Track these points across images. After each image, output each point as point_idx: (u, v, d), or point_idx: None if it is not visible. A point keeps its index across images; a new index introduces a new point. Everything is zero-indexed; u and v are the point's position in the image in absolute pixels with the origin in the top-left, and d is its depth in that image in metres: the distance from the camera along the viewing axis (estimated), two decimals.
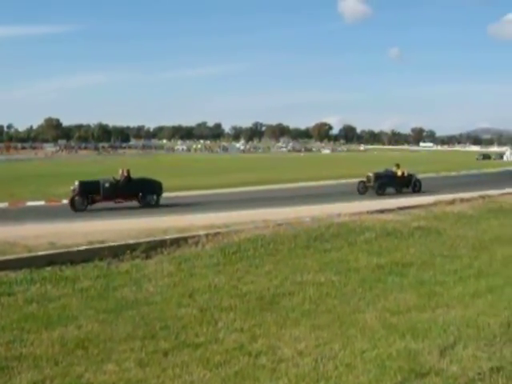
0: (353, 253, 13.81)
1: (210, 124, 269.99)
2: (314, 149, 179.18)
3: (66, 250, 13.00)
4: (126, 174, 24.32)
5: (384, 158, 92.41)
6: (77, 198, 22.95)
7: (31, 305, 9.59)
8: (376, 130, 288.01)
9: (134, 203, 23.91)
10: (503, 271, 12.18)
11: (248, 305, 9.56)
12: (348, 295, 10.19)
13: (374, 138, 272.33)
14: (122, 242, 13.82)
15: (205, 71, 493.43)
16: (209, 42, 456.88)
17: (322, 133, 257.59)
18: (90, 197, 23.23)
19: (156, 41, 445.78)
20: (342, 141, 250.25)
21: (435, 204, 22.35)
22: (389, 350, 7.26)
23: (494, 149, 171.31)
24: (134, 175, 24.84)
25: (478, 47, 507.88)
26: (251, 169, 58.03)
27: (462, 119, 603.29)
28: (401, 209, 20.87)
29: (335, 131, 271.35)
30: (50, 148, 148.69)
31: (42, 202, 25.61)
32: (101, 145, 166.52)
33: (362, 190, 29.98)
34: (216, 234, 15.00)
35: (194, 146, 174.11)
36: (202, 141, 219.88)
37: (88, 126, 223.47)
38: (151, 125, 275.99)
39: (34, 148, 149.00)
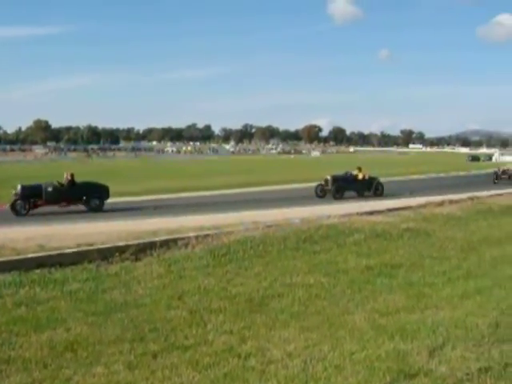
0: (342, 254, 13.84)
1: (200, 126, 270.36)
2: (304, 151, 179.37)
3: (55, 252, 12.95)
4: (69, 177, 23.97)
5: (369, 159, 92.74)
6: (18, 201, 22.62)
7: (20, 308, 9.53)
8: (365, 131, 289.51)
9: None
10: (492, 272, 12.25)
11: (237, 307, 9.56)
12: (337, 297, 10.21)
13: (363, 139, 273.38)
14: (111, 245, 13.79)
15: (195, 73, 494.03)
16: (199, 44, 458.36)
17: (312, 135, 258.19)
18: (32, 201, 22.88)
19: (146, 43, 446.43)
20: (331, 143, 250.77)
21: (424, 206, 22.46)
22: (378, 351, 7.28)
23: (483, 150, 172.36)
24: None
25: (468, 49, 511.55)
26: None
27: (451, 121, 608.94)
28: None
29: (325, 133, 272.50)
30: (38, 150, 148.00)
31: None
32: (90, 147, 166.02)
33: (321, 193, 29.24)
34: (206, 235, 14.99)
35: (184, 148, 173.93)
36: (191, 142, 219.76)
37: (77, 128, 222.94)
38: (141, 127, 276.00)
39: (23, 150, 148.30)
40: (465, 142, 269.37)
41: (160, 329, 8.39)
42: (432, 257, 13.69)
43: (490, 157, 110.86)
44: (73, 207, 23.50)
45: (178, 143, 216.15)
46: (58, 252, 13.00)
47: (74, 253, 13.07)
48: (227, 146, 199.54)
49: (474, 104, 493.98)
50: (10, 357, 7.31)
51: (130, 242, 13.99)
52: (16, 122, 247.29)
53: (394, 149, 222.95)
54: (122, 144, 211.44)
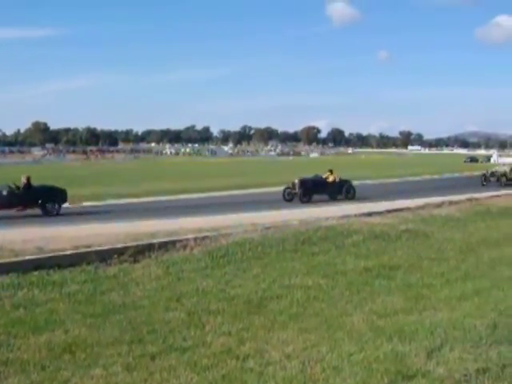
0: (340, 256, 13.85)
1: (199, 127, 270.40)
2: (302, 152, 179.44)
3: (53, 254, 12.95)
4: (25, 181, 23.36)
5: (367, 160, 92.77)
6: None
7: (18, 310, 9.53)
8: (364, 133, 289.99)
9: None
10: (490, 273, 12.26)
11: (236, 308, 9.56)
12: (335, 298, 10.22)
13: (362, 141, 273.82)
14: (110, 246, 13.80)
15: (193, 75, 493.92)
16: (197, 45, 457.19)
17: (311, 136, 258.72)
18: None
19: (144, 44, 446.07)
20: (330, 144, 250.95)
21: (423, 207, 22.48)
22: (376, 352, 7.29)
23: (482, 152, 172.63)
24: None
25: (466, 50, 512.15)
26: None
27: (449, 122, 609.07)
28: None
29: (323, 134, 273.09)
30: (37, 152, 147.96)
31: None
32: (89, 149, 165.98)
33: (288, 197, 28.08)
34: (204, 237, 15.00)
35: (183, 150, 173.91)
36: (190, 144, 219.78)
37: (76, 130, 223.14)
38: (139, 128, 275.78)
39: (22, 152, 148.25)
40: (463, 144, 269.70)
41: (158, 330, 8.39)
42: (430, 258, 13.71)
43: (488, 158, 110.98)
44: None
45: (176, 145, 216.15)
46: (56, 254, 12.99)
47: (72, 255, 13.08)
48: (226, 148, 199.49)
49: (472, 105, 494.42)
50: (8, 359, 7.31)
51: (128, 244, 13.99)
52: (15, 123, 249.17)
53: (392, 150, 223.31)
54: (121, 146, 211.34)
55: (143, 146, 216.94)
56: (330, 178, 29.10)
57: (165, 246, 14.15)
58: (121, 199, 29.27)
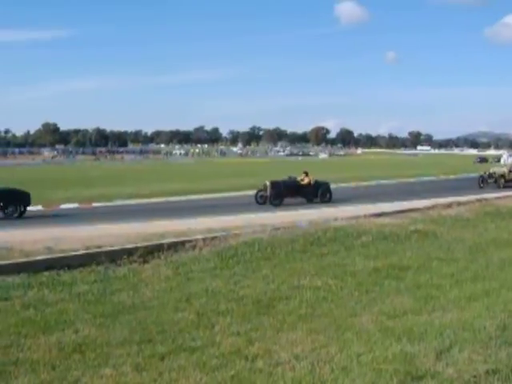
0: (349, 256, 13.83)
1: (208, 128, 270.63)
2: (311, 153, 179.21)
3: (62, 254, 13.02)
4: None
5: (374, 161, 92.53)
6: None
7: (28, 309, 9.58)
8: (373, 133, 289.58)
9: None
10: (500, 274, 12.20)
11: (245, 309, 9.57)
12: (344, 299, 10.20)
13: (371, 141, 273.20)
14: (120, 247, 13.85)
15: (202, 75, 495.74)
16: (206, 46, 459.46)
17: (320, 137, 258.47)
18: None
19: (153, 45, 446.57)
20: (339, 145, 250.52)
21: (432, 207, 22.42)
22: (385, 353, 7.27)
23: (491, 152, 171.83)
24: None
25: (475, 50, 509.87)
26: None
27: (459, 123, 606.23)
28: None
29: (332, 135, 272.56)
30: (47, 153, 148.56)
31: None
32: (98, 149, 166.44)
33: (261, 199, 27.33)
34: (213, 238, 15.03)
35: (192, 151, 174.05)
36: (199, 145, 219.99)
37: (85, 131, 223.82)
38: (149, 129, 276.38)
39: (32, 153, 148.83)
40: (473, 144, 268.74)
41: (168, 331, 8.40)
42: (440, 259, 13.66)
43: (498, 158, 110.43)
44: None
45: (185, 146, 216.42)
46: (66, 254, 13.06)
47: (82, 255, 13.15)
48: (235, 149, 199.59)
49: (482, 106, 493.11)
50: (19, 358, 7.35)
51: (137, 245, 14.04)
52: (25, 125, 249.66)
53: (402, 151, 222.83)
54: (130, 147, 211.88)
55: (152, 146, 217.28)
56: (305, 181, 28.14)
57: (174, 247, 14.20)
58: (130, 200, 29.36)
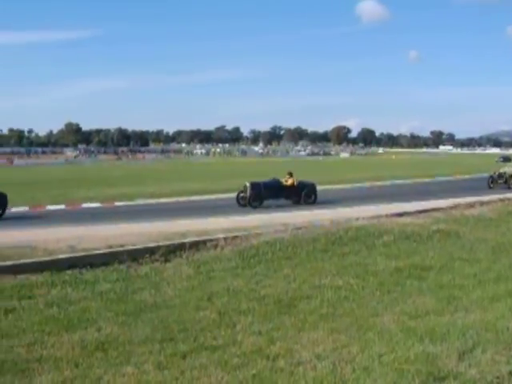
0: (371, 256, 13.78)
1: (229, 128, 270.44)
2: (332, 152, 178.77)
3: (85, 253, 13.14)
4: None
5: (395, 161, 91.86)
6: None
7: (52, 308, 9.68)
8: (395, 133, 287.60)
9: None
10: None
11: (266, 308, 9.58)
12: (366, 299, 10.17)
13: (392, 141, 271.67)
14: (141, 246, 13.94)
15: (223, 75, 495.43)
16: (227, 45, 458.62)
17: (341, 136, 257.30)
18: None
19: (175, 45, 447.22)
20: (360, 144, 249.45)
21: (455, 207, 22.25)
22: (407, 353, 7.24)
23: None
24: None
25: (498, 49, 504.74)
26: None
27: (481, 122, 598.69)
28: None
29: (354, 134, 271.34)
30: (70, 153, 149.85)
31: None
32: (120, 149, 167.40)
33: (242, 201, 26.24)
34: (234, 237, 15.06)
35: (213, 150, 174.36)
36: (220, 144, 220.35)
37: (107, 131, 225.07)
38: (170, 129, 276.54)
39: (54, 153, 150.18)
40: (496, 143, 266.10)
41: (189, 329, 8.45)
42: (462, 259, 13.55)
43: None
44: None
45: (206, 145, 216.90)
46: (89, 253, 13.18)
47: (104, 254, 13.25)
48: (256, 148, 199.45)
49: (504, 105, 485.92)
50: (42, 356, 7.44)
51: (159, 244, 14.11)
52: (47, 125, 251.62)
53: (424, 150, 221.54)
54: (152, 146, 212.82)
55: (174, 146, 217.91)
56: (289, 182, 27.12)
57: (196, 246, 14.26)
58: (152, 199, 29.51)
